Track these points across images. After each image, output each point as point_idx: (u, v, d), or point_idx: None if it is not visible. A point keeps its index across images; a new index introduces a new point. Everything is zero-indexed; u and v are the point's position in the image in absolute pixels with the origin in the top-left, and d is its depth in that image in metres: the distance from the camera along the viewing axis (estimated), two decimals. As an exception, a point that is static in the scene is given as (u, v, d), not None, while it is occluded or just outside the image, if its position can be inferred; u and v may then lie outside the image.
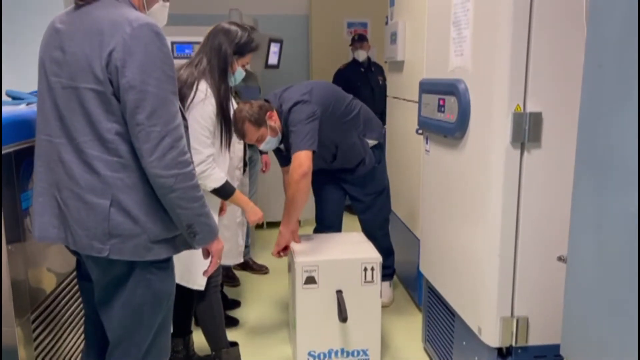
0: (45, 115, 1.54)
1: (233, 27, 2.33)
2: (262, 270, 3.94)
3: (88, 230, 1.49)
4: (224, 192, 2.28)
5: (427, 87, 2.43)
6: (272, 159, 3.80)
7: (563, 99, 1.83)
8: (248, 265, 3.94)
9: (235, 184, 2.50)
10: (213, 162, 2.21)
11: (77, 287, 2.04)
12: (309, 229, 3.39)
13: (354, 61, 4.98)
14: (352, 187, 3.13)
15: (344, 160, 3.00)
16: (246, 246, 3.77)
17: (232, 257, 2.58)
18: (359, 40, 4.93)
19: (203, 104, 2.19)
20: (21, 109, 1.90)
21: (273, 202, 4.67)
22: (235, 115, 2.53)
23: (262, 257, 4.14)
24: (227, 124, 2.30)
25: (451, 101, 2.15)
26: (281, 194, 3.67)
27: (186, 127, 1.60)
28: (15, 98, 2.08)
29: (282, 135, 2.72)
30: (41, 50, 1.56)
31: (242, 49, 2.33)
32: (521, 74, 1.82)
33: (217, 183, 2.23)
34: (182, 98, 2.16)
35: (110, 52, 1.42)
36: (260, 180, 4.10)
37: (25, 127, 1.77)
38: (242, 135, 2.57)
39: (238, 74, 2.38)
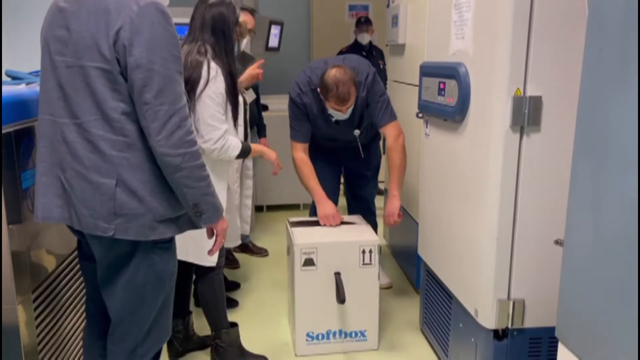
0: (48, 95, 1.53)
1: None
2: (261, 253, 3.96)
3: (93, 209, 1.50)
4: (245, 152, 2.35)
5: (428, 71, 2.43)
6: (272, 143, 3.80)
7: (563, 83, 1.83)
8: (248, 248, 3.96)
9: (234, 166, 2.51)
10: (227, 134, 2.25)
11: (78, 267, 2.05)
12: (306, 213, 3.40)
13: (357, 44, 4.95)
14: (357, 164, 3.14)
15: (369, 135, 3.06)
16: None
17: (231, 239, 2.59)
18: (365, 23, 4.90)
19: (215, 80, 2.20)
20: (21, 88, 1.90)
21: (272, 187, 4.69)
22: (337, 77, 2.59)
23: (262, 240, 4.17)
24: (235, 101, 2.32)
25: (451, 85, 2.14)
26: (281, 178, 3.67)
27: (189, 109, 1.61)
28: (15, 78, 2.07)
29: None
30: (44, 30, 1.55)
31: (237, 17, 2.34)
32: (522, 58, 1.82)
33: (237, 148, 2.28)
34: (193, 82, 2.17)
35: (117, 31, 1.42)
36: (260, 165, 4.11)
37: (25, 107, 1.77)
38: (345, 99, 2.62)
39: None
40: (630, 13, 1.15)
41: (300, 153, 2.87)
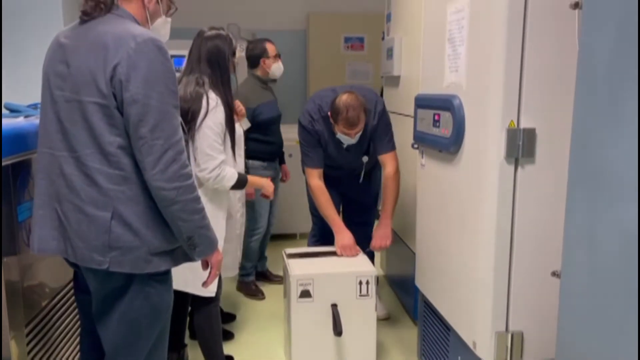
0: (47, 129, 1.55)
1: (222, 32, 2.39)
2: (257, 296, 3.78)
3: (88, 242, 1.50)
4: (240, 183, 2.37)
5: (423, 102, 2.45)
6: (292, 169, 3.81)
7: (557, 114, 1.85)
8: (266, 277, 3.92)
9: (237, 195, 2.52)
10: (223, 164, 2.28)
11: (72, 300, 2.04)
12: (305, 243, 3.39)
13: None
14: (358, 191, 3.17)
15: (371, 162, 3.10)
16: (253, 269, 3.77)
17: (230, 269, 2.58)
18: None
19: (215, 111, 2.25)
20: (19, 121, 1.91)
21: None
22: (348, 102, 2.67)
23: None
24: (232, 130, 2.36)
25: (446, 116, 2.17)
26: (278, 208, 3.65)
27: (186, 141, 1.62)
28: (14, 111, 2.09)
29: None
30: (45, 64, 1.58)
31: (233, 49, 2.42)
32: (515, 90, 1.84)
33: (233, 179, 2.31)
34: (194, 112, 2.20)
35: (114, 67, 1.44)
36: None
37: (22, 139, 1.78)
38: (354, 123, 2.69)
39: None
40: (622, 45, 1.18)
41: (317, 180, 2.91)
